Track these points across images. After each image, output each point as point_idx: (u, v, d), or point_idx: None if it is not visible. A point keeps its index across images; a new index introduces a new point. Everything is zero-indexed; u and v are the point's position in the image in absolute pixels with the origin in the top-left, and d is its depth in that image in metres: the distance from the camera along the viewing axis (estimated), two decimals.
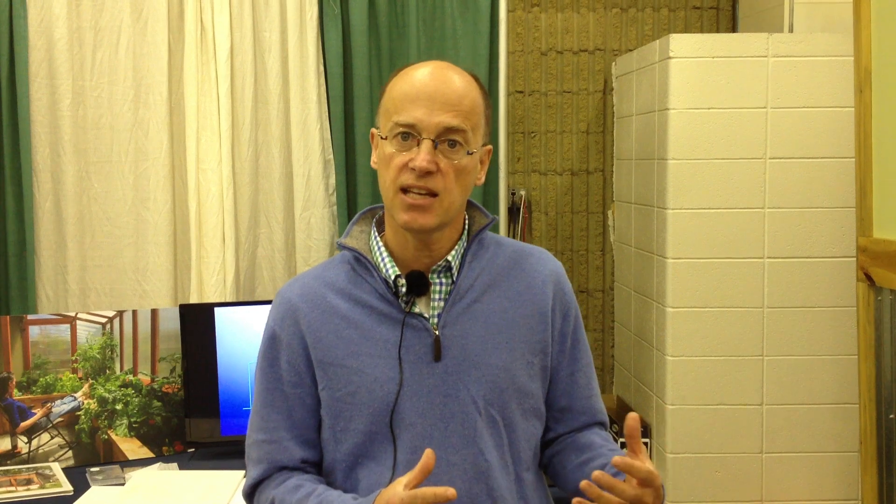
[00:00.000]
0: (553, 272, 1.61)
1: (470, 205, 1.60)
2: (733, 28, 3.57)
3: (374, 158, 1.52)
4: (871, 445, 2.49)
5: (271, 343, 1.57)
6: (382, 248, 1.54)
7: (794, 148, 2.84)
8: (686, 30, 3.56)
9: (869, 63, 2.41)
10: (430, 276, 1.51)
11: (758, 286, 2.88)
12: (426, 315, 1.51)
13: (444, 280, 1.53)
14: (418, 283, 1.49)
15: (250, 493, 1.57)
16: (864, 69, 2.42)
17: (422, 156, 1.41)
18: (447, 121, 1.43)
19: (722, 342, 2.89)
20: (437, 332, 1.49)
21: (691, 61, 2.84)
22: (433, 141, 1.42)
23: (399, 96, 1.46)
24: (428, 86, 1.45)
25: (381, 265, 1.52)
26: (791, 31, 3.07)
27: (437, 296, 1.52)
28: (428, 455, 1.32)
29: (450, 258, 1.52)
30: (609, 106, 3.56)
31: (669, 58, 2.84)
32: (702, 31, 3.57)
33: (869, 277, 2.45)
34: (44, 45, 2.82)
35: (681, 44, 2.84)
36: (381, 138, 1.48)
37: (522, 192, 3.52)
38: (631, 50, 3.44)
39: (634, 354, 3.27)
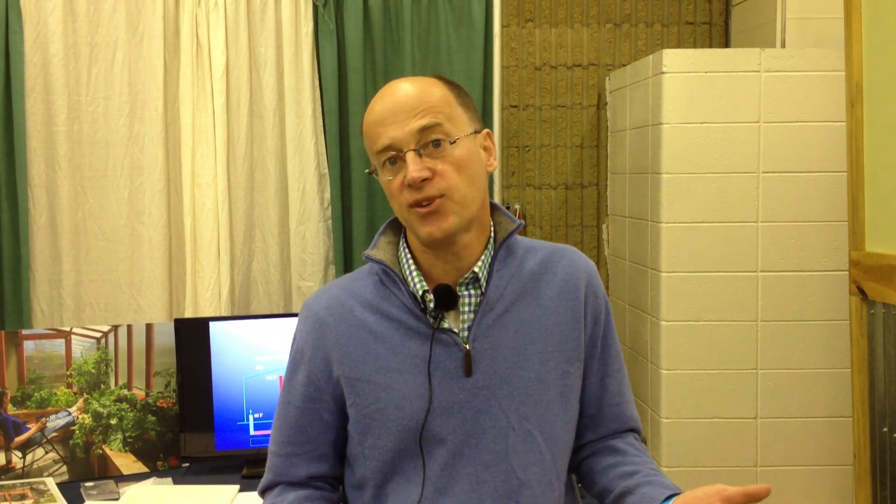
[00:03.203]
0: (585, 273, 1.56)
1: (495, 210, 1.57)
2: (726, 43, 3.59)
3: (389, 199, 1.50)
4: (864, 459, 2.50)
5: (297, 355, 1.56)
6: (411, 262, 1.51)
7: (787, 162, 2.86)
8: (679, 45, 3.59)
9: (860, 78, 2.43)
10: (458, 288, 1.49)
11: (751, 300, 2.89)
12: (456, 329, 1.47)
13: (472, 292, 1.49)
14: (446, 298, 1.46)
15: (261, 494, 1.61)
16: (856, 84, 2.44)
17: (410, 168, 1.40)
18: (417, 123, 1.41)
19: (716, 355, 2.90)
20: (467, 347, 1.46)
21: (684, 76, 2.85)
22: (415, 150, 1.41)
23: (371, 129, 1.46)
24: (388, 104, 1.44)
25: (409, 279, 1.50)
26: (783, 46, 3.09)
27: (466, 308, 1.49)
28: None
29: (476, 269, 1.48)
30: (603, 120, 3.58)
31: (663, 73, 2.86)
32: (695, 46, 3.59)
33: (861, 291, 2.46)
34: (40, 61, 2.83)
35: (674, 59, 2.86)
36: (371, 173, 1.49)
37: (517, 206, 3.54)
38: (624, 65, 3.46)
39: (629, 368, 3.27)
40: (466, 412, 1.45)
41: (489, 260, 1.51)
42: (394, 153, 1.42)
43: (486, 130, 1.53)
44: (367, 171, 1.51)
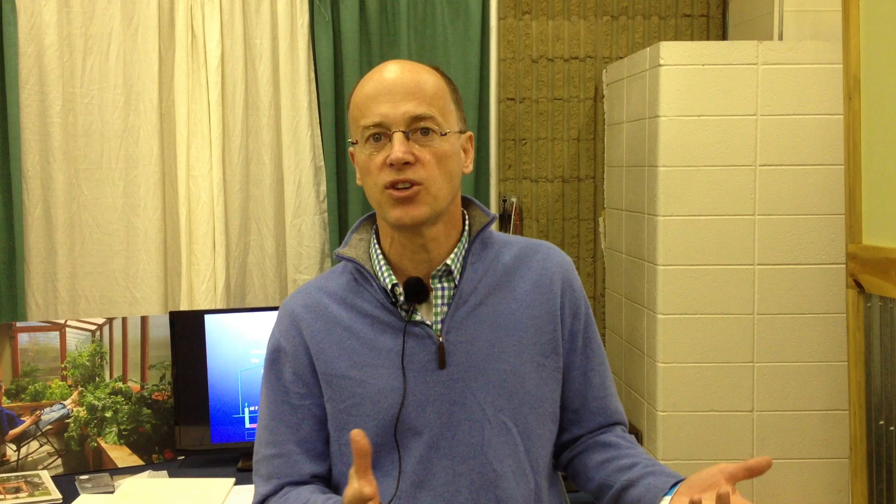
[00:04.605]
0: (561, 267, 1.56)
1: (470, 204, 1.57)
2: (723, 36, 3.58)
3: (357, 175, 1.49)
4: (860, 452, 2.50)
5: (276, 355, 1.55)
6: (380, 256, 1.51)
7: (784, 155, 2.85)
8: (676, 37, 3.58)
9: (858, 70, 2.42)
10: (430, 281, 1.48)
11: (748, 293, 2.89)
12: (429, 322, 1.47)
13: (445, 285, 1.49)
14: (416, 291, 1.46)
15: (263, 501, 1.54)
16: (853, 76, 2.43)
17: (396, 147, 1.39)
18: (412, 109, 1.40)
19: (712, 349, 2.90)
20: (440, 339, 1.46)
21: (681, 69, 2.84)
22: (404, 132, 1.40)
23: (361, 101, 1.44)
24: (385, 82, 1.43)
25: (379, 274, 1.50)
26: (780, 38, 3.08)
27: (439, 301, 1.48)
28: (355, 437, 1.24)
29: (449, 262, 1.48)
30: (600, 113, 3.57)
31: (660, 65, 2.85)
32: (692, 38, 3.58)
33: (858, 284, 2.46)
34: (34, 52, 2.81)
35: (671, 51, 2.85)
36: (353, 143, 1.47)
37: (514, 199, 3.53)
38: (621, 57, 3.45)
39: (625, 361, 3.28)
40: (441, 405, 1.45)
41: (463, 253, 1.51)
42: (380, 131, 1.41)
43: (469, 133, 1.53)
44: (349, 140, 1.50)
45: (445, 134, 1.43)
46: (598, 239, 3.60)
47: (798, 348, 2.90)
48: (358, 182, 1.50)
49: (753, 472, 1.27)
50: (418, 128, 1.41)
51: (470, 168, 1.53)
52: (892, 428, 2.40)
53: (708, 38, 3.58)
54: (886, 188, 2.36)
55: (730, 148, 2.85)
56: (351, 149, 1.50)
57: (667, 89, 2.85)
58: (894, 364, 2.39)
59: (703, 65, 2.84)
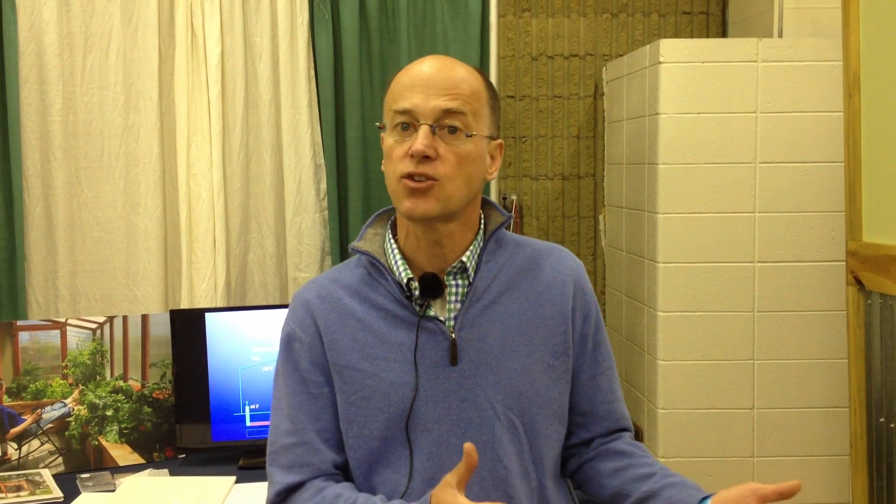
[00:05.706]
0: (573, 271, 1.57)
1: (486, 204, 1.58)
2: (723, 33, 3.58)
3: (384, 161, 1.50)
4: (861, 449, 2.50)
5: (291, 344, 1.54)
6: (396, 251, 1.51)
7: (784, 152, 2.85)
8: (676, 35, 3.58)
9: (858, 68, 2.42)
10: (445, 277, 1.49)
11: (748, 290, 2.89)
12: (442, 318, 1.48)
13: (459, 281, 1.50)
14: (431, 286, 1.46)
15: (277, 501, 1.50)
16: (853, 74, 2.43)
17: (419, 140, 1.39)
18: (444, 104, 1.41)
19: (713, 346, 2.90)
20: (453, 336, 1.47)
21: (681, 66, 2.84)
22: (431, 126, 1.41)
23: (398, 88, 1.45)
24: (425, 73, 1.44)
25: (395, 268, 1.50)
26: (780, 36, 3.08)
27: (453, 298, 1.49)
28: (469, 451, 1.28)
29: (464, 259, 1.49)
30: (600, 111, 3.57)
31: (660, 63, 2.85)
32: (692, 36, 3.58)
33: (858, 281, 2.46)
34: (34, 50, 2.81)
35: (671, 49, 2.85)
36: (380, 128, 1.48)
37: (514, 197, 3.53)
38: (621, 55, 3.45)
39: (626, 359, 3.28)
40: (452, 401, 1.46)
41: (478, 251, 1.52)
42: (408, 120, 1.42)
43: (499, 141, 1.54)
44: (376, 124, 1.52)
45: (472, 136, 1.44)
46: (599, 236, 3.60)
47: (798, 345, 2.90)
48: (382, 169, 1.50)
49: (784, 495, 1.32)
50: (445, 125, 1.42)
51: (493, 175, 1.54)
52: (892, 425, 2.40)
53: (708, 36, 3.58)
54: (886, 185, 2.36)
55: (730, 145, 2.85)
56: (382, 134, 1.50)
57: (667, 87, 2.85)
58: (894, 361, 2.39)
59: (703, 62, 2.84)
